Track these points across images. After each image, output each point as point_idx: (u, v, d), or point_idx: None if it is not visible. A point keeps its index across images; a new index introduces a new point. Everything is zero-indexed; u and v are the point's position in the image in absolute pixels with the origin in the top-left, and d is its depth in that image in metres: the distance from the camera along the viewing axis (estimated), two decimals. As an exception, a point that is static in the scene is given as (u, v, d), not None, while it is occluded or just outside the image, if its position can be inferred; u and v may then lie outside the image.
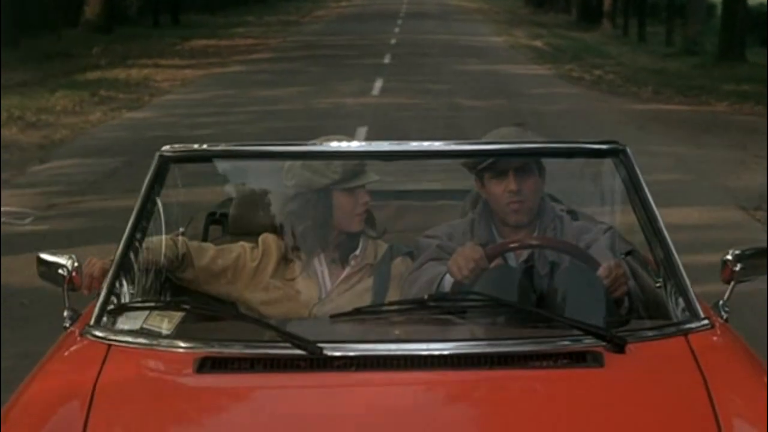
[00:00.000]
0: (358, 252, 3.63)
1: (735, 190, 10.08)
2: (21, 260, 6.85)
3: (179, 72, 20.23)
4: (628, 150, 3.33)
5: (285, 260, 3.63)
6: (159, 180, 3.35)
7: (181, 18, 35.45)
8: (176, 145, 3.42)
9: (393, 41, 27.96)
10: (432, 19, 38.13)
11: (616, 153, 3.37)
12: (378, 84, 18.01)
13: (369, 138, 12.47)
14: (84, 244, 7.09)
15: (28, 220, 8.50)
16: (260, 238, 3.65)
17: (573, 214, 3.74)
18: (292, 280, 3.60)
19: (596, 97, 17.46)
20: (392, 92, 16.91)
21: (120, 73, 19.53)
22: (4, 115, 13.97)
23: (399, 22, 36.76)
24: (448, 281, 3.35)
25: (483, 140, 3.57)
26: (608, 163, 3.41)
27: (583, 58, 24.64)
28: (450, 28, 33.32)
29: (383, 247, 3.66)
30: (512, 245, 3.44)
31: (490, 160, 3.48)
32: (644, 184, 3.28)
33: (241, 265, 3.60)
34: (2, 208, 8.66)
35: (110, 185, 9.86)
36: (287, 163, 3.59)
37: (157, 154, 3.36)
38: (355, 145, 3.55)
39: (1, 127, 13.02)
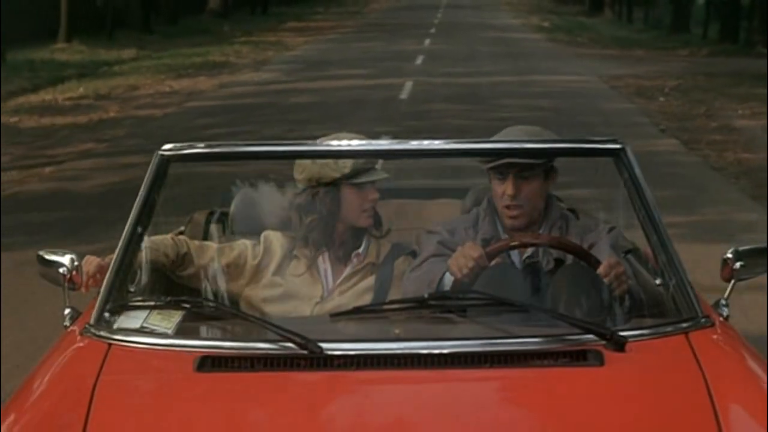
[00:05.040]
0: (361, 250, 3.80)
1: (604, 76, 22.29)
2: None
3: (296, 39, 32.71)
4: (628, 149, 3.45)
5: (288, 257, 3.78)
6: (159, 179, 3.44)
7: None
8: (177, 144, 3.49)
9: (436, 21, 40.73)
10: (466, 9, 50.57)
11: (616, 152, 3.45)
12: (428, 41, 30.81)
13: (425, 57, 25.06)
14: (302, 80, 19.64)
15: (285, 76, 21.09)
16: (262, 235, 3.83)
17: (575, 214, 3.96)
18: (295, 277, 3.75)
19: (563, 48, 29.83)
20: (436, 44, 29.62)
21: (258, 39, 32.00)
22: (218, 52, 26.65)
23: (440, 10, 49.37)
24: (449, 279, 3.51)
25: (489, 139, 3.69)
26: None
27: (572, 31, 36.83)
28: (479, 15, 45.77)
29: (387, 246, 3.84)
30: (513, 243, 3.58)
31: (503, 160, 3.63)
32: (645, 183, 3.41)
33: (242, 262, 3.77)
34: (264, 76, 21.26)
35: (309, 69, 22.57)
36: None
37: (157, 153, 3.46)
38: (357, 144, 3.58)
39: (224, 56, 25.66)
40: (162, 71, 22.49)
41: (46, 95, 18.74)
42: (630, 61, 25.69)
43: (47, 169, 12.01)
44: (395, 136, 10.96)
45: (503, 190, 3.68)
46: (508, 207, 3.68)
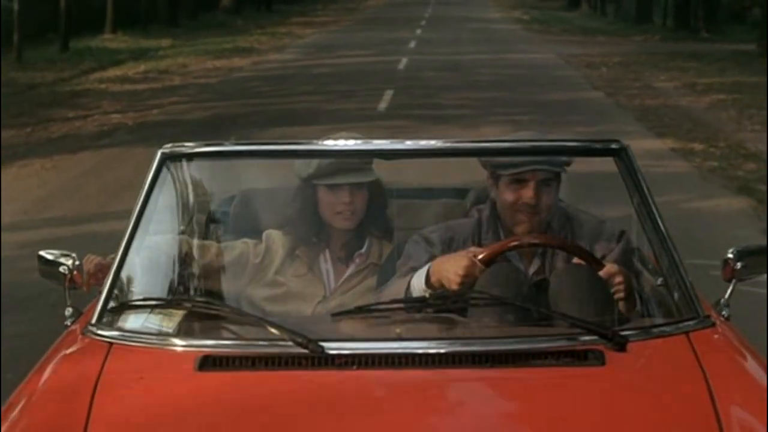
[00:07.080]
0: (363, 250, 3.87)
1: (563, 54, 27.73)
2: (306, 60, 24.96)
3: (304, 30, 38.17)
4: (629, 148, 3.53)
5: (290, 257, 3.85)
6: (160, 178, 3.54)
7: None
8: (178, 144, 3.59)
9: (426, 15, 46.48)
10: (454, 5, 56.19)
11: (617, 151, 3.53)
12: (419, 31, 36.50)
13: (417, 42, 30.62)
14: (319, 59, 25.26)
15: (303, 56, 26.65)
16: (264, 234, 3.89)
17: (579, 214, 3.91)
18: (297, 276, 3.82)
19: (534, 35, 35.41)
20: (427, 33, 35.29)
21: (272, 30, 37.45)
22: (243, 40, 32.18)
23: (430, 6, 55.03)
24: (416, 286, 3.51)
25: (489, 138, 3.83)
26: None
27: (547, 23, 42.30)
28: (466, 10, 51.33)
29: (389, 246, 3.89)
30: (512, 244, 3.58)
31: (528, 167, 3.62)
32: (645, 183, 3.49)
33: (243, 261, 3.83)
34: (287, 57, 26.81)
35: (322, 51, 28.12)
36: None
37: (158, 152, 3.56)
38: (355, 143, 3.65)
39: (248, 43, 31.20)
40: (201, 54, 27.96)
41: (115, 72, 24.19)
42: (590, 45, 31.17)
43: (154, 111, 17.51)
44: (396, 90, 17.25)
45: (520, 195, 3.67)
46: (523, 213, 3.67)
